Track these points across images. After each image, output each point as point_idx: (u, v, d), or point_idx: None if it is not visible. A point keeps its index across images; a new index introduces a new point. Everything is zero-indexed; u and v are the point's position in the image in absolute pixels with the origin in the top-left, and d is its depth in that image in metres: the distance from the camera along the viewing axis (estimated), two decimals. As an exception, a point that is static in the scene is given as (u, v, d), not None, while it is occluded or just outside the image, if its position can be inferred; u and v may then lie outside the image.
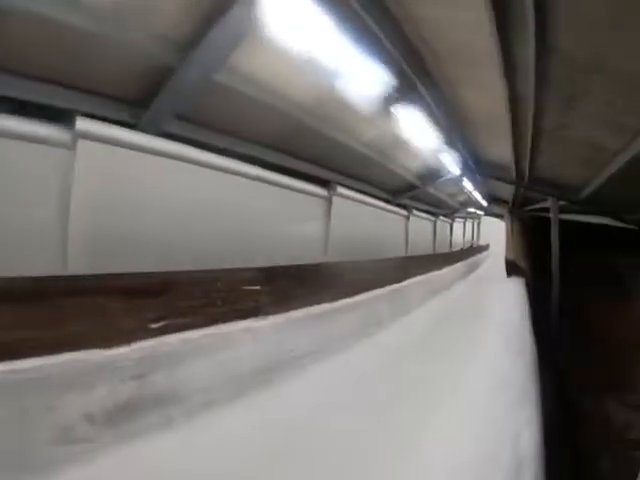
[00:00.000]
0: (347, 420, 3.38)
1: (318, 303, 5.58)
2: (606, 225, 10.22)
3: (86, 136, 3.90)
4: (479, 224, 27.22)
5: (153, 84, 4.10)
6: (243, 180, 5.70)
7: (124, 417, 2.77)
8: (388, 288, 7.96)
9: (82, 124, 3.87)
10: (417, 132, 6.93)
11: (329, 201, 7.97)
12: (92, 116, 3.97)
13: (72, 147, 3.86)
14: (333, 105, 5.67)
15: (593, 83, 4.15)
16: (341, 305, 6.02)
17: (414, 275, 9.93)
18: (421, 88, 5.34)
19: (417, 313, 8.25)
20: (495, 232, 24.95)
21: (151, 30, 3.54)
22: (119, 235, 4.01)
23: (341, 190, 8.17)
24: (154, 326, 3.27)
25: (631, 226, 9.48)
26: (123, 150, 4.13)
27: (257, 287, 4.68)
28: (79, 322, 2.82)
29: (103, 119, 4.05)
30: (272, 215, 6.42)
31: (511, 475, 2.05)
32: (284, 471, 2.65)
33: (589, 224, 10.67)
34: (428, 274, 11.04)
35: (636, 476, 1.88)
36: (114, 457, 2.49)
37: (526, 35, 3.59)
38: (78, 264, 3.51)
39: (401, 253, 11.99)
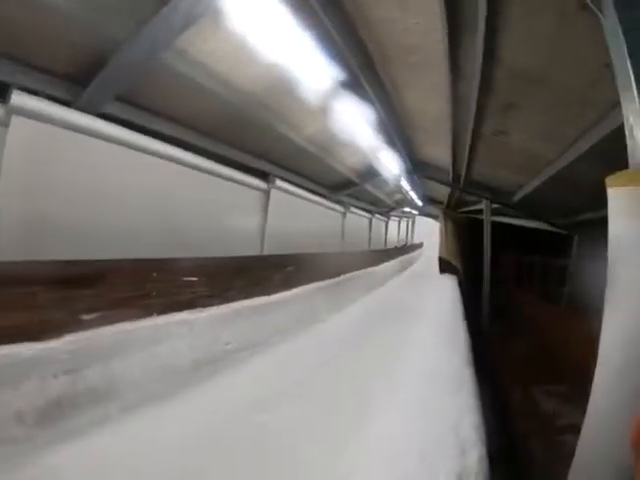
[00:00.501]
0: (284, 415, 3.36)
1: (255, 296, 5.55)
2: (537, 229, 10.80)
3: (21, 112, 3.62)
4: (414, 223, 28.06)
5: (95, 61, 3.87)
6: (182, 168, 5.53)
7: (56, 415, 2.63)
8: (324, 282, 8.04)
9: (18, 99, 3.58)
10: (359, 130, 7.03)
11: (267, 194, 7.90)
12: (29, 91, 3.69)
13: (5, 123, 3.58)
14: (278, 97, 5.63)
15: (533, 93, 4.40)
16: (278, 298, 6.01)
17: (350, 270, 10.09)
18: (367, 86, 5.43)
19: (354, 308, 8.37)
20: (429, 231, 25.84)
21: (97, 5, 3.33)
22: (51, 220, 3.76)
23: (280, 183, 8.12)
24: (87, 317, 3.13)
25: (560, 230, 10.07)
26: (59, 129, 3.86)
27: (194, 278, 4.59)
28: (6, 313, 2.65)
29: (39, 95, 3.77)
30: (210, 205, 6.27)
31: (458, 459, 2.12)
32: (220, 467, 2.60)
33: (520, 227, 11.26)
34: (363, 270, 11.25)
35: (565, 458, 1.99)
36: (46, 458, 2.34)
37: (474, 43, 3.76)
38: (5, 250, 3.26)
39: (337, 249, 12.10)
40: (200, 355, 3.98)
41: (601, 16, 2.24)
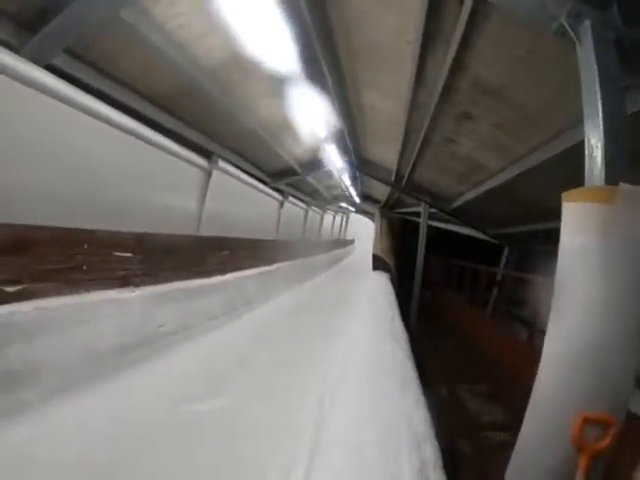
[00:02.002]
0: (216, 404, 3.21)
1: (189, 278, 5.32)
2: (470, 236, 11.20)
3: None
4: (347, 219, 28.36)
5: (49, 8, 3.46)
6: (123, 134, 5.11)
7: None
8: (258, 269, 7.91)
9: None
10: (310, 118, 6.91)
11: (209, 173, 7.59)
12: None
13: None
14: (235, 73, 5.37)
15: (489, 106, 4.46)
16: (213, 282, 5.81)
17: (285, 259, 10.01)
18: (327, 75, 5.30)
19: (288, 297, 8.30)
20: (361, 229, 26.30)
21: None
22: None
23: (223, 164, 7.83)
24: (8, 290, 2.79)
25: (492, 240, 10.49)
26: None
27: (128, 254, 4.28)
28: None
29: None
30: (149, 178, 5.88)
31: (415, 450, 2.09)
32: (146, 459, 2.41)
33: (454, 233, 11.64)
34: (297, 260, 11.22)
35: (494, 454, 2.05)
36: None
37: (445, 51, 3.79)
38: None
39: (273, 237, 11.95)
40: (129, 338, 3.72)
41: (577, 42, 2.31)
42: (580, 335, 1.84)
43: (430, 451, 2.12)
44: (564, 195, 2.06)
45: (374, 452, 2.08)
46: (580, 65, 2.29)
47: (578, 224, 1.97)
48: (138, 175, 5.53)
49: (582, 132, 2.21)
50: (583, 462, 1.50)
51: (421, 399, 2.84)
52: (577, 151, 3.22)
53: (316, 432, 2.73)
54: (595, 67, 2.17)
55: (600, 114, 2.08)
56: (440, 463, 2.08)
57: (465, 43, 3.60)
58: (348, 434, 2.38)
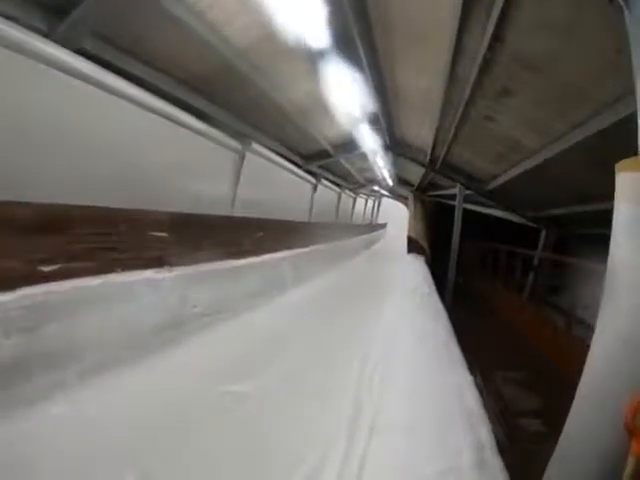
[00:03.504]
0: (251, 385, 3.22)
1: (224, 259, 5.35)
2: (506, 219, 10.94)
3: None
4: (380, 203, 28.12)
5: None
6: (157, 117, 5.14)
7: (7, 380, 2.36)
8: (293, 251, 7.91)
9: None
10: (344, 98, 6.79)
11: (242, 156, 7.60)
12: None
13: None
14: (267, 54, 5.30)
15: (529, 81, 4.28)
16: (247, 263, 5.84)
17: (318, 242, 9.99)
18: (361, 53, 5.17)
19: (322, 279, 8.30)
20: (393, 213, 26.05)
21: None
22: (8, 157, 3.34)
23: (256, 146, 7.83)
24: (45, 269, 2.84)
25: (529, 223, 10.22)
26: (31, 62, 3.43)
27: (163, 234, 4.32)
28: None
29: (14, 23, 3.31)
30: (183, 160, 5.91)
31: (468, 430, 2.07)
32: (182, 439, 2.44)
33: (490, 215, 11.38)
34: (331, 243, 11.20)
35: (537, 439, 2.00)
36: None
37: (484, 23, 3.62)
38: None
39: (306, 219, 11.95)
40: (165, 318, 3.77)
41: (626, 8, 2.18)
42: (636, 314, 1.75)
43: (485, 432, 2.08)
44: (618, 165, 1.98)
45: (428, 431, 2.05)
46: (630, 32, 2.17)
47: (636, 194, 1.88)
48: (172, 157, 5.56)
49: (627, 106, 2.11)
50: (635, 447, 1.42)
51: (469, 378, 2.79)
52: (621, 126, 3.09)
53: (364, 412, 2.71)
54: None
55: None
56: (495, 444, 2.05)
57: (504, 14, 3.44)
58: (399, 413, 2.35)
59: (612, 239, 1.96)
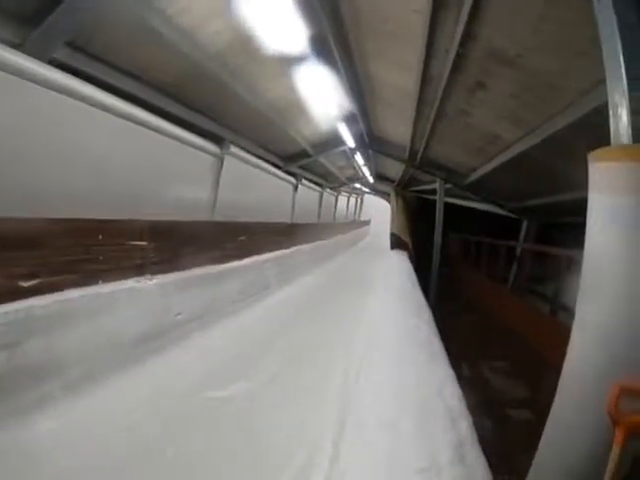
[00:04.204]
0: (238, 391, 3.21)
1: (206, 264, 5.31)
2: (487, 211, 11.01)
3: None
4: (362, 201, 28.18)
5: (47, 2, 3.40)
6: (133, 125, 5.07)
7: None
8: (276, 253, 7.90)
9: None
10: (320, 98, 6.80)
11: (221, 160, 7.55)
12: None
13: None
14: (241, 57, 5.27)
15: (503, 75, 4.32)
16: (230, 267, 5.81)
17: (301, 242, 9.99)
18: (335, 52, 5.18)
19: (306, 279, 8.29)
20: (376, 210, 26.15)
21: None
22: None
23: (234, 150, 7.78)
24: (25, 284, 2.79)
25: (510, 214, 10.31)
26: (2, 74, 3.34)
27: (143, 243, 4.28)
28: None
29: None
30: (161, 166, 5.85)
31: (450, 426, 2.07)
32: (171, 447, 2.42)
33: (471, 208, 11.45)
34: (314, 242, 11.20)
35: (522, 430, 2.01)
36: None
37: (456, 18, 3.65)
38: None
39: (288, 220, 11.92)
40: (148, 328, 3.73)
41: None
42: (614, 300, 1.76)
43: (465, 427, 2.09)
44: (591, 155, 1.98)
45: (408, 427, 2.05)
46: (599, 22, 2.18)
47: (609, 184, 1.88)
48: (149, 164, 5.49)
49: (601, 96, 2.12)
50: (620, 435, 1.43)
51: (451, 373, 2.81)
52: (596, 116, 3.13)
53: (346, 408, 2.72)
54: (616, 24, 2.05)
55: (623, 71, 1.96)
56: (476, 439, 2.05)
57: (476, 10, 3.46)
58: (380, 409, 2.35)
59: (587, 229, 1.97)
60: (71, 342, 2.91)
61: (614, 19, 2.09)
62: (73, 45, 3.99)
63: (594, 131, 2.30)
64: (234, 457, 2.40)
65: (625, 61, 2.01)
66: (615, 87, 2.03)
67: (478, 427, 2.20)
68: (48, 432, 2.31)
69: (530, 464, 1.98)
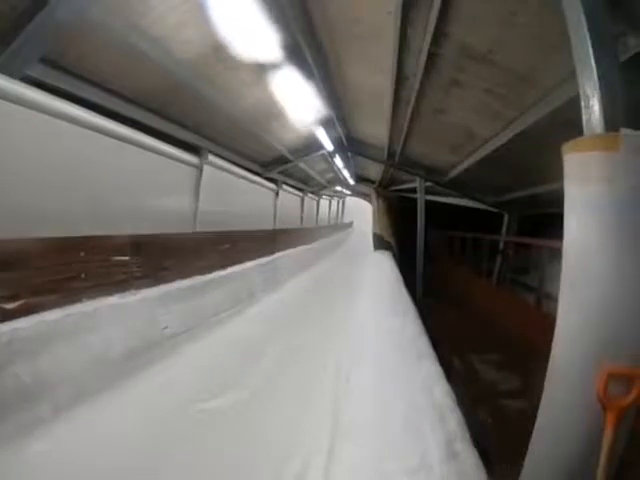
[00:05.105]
0: (229, 403, 3.18)
1: (190, 275, 5.27)
2: (468, 207, 11.11)
3: None
4: (344, 203, 28.27)
5: (18, 19, 3.34)
6: (109, 139, 5.01)
7: None
8: (259, 260, 7.87)
9: None
10: (296, 103, 6.82)
11: (200, 169, 7.50)
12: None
13: None
14: (216, 65, 5.26)
15: (477, 71, 4.37)
16: (214, 277, 5.77)
17: (284, 248, 9.97)
18: (308, 57, 5.19)
19: (291, 285, 8.26)
20: (359, 211, 26.26)
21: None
22: None
23: (213, 159, 7.74)
24: (8, 307, 2.74)
25: (491, 209, 10.41)
26: None
27: (126, 258, 4.23)
28: None
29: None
30: (139, 180, 5.78)
31: (439, 424, 2.08)
32: (165, 463, 2.39)
33: (453, 205, 11.54)
34: (298, 247, 11.19)
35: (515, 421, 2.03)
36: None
37: (427, 17, 3.68)
38: None
39: (270, 226, 11.90)
40: (135, 343, 3.68)
41: None
42: (595, 286, 1.79)
43: (455, 423, 2.10)
44: (565, 146, 2.01)
45: (398, 428, 2.05)
46: (567, 14, 2.21)
47: (583, 174, 1.91)
48: (127, 178, 5.42)
49: (573, 88, 2.14)
50: (610, 420, 1.46)
51: (439, 371, 2.82)
52: (569, 108, 3.17)
53: (336, 413, 2.72)
54: (583, 16, 2.08)
55: (592, 63, 1.99)
56: (467, 435, 2.06)
57: (447, 8, 3.50)
58: (369, 412, 2.36)
59: (565, 219, 1.99)
60: (58, 362, 2.86)
61: (581, 10, 2.13)
62: (46, 61, 3.92)
63: (568, 123, 2.32)
64: (227, 469, 2.38)
65: (594, 52, 2.04)
66: (586, 78, 2.06)
67: (469, 420, 2.22)
68: (39, 453, 2.26)
69: (524, 452, 2.00)
